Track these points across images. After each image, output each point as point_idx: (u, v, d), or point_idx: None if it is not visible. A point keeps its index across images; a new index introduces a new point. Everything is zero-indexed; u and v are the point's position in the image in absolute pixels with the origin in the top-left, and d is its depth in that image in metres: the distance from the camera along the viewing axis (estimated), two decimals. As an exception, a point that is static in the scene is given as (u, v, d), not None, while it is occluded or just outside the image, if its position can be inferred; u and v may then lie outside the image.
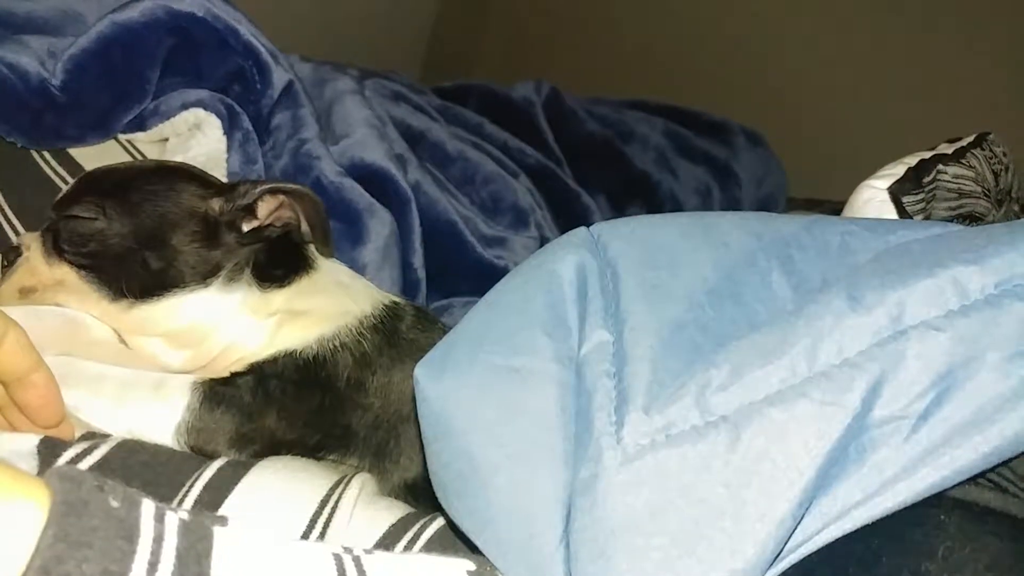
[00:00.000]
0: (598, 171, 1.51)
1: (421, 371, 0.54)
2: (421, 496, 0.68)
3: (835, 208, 1.59)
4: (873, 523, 0.43)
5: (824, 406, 0.44)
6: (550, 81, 1.59)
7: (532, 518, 0.47)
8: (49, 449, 0.54)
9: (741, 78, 2.20)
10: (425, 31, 2.68)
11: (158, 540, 0.36)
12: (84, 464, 0.54)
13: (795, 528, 0.43)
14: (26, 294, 0.67)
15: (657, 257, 0.55)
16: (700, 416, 0.46)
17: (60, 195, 0.71)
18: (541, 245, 1.21)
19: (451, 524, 0.56)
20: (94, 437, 0.59)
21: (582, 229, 0.60)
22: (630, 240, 0.57)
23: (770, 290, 0.54)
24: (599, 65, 2.45)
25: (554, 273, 0.55)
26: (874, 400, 0.44)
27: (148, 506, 0.37)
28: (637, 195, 1.53)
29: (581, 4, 2.57)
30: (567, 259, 0.56)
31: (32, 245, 0.69)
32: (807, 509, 0.44)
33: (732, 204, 1.65)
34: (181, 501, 0.55)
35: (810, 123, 2.06)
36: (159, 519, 0.37)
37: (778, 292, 0.54)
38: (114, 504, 0.36)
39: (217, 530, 0.38)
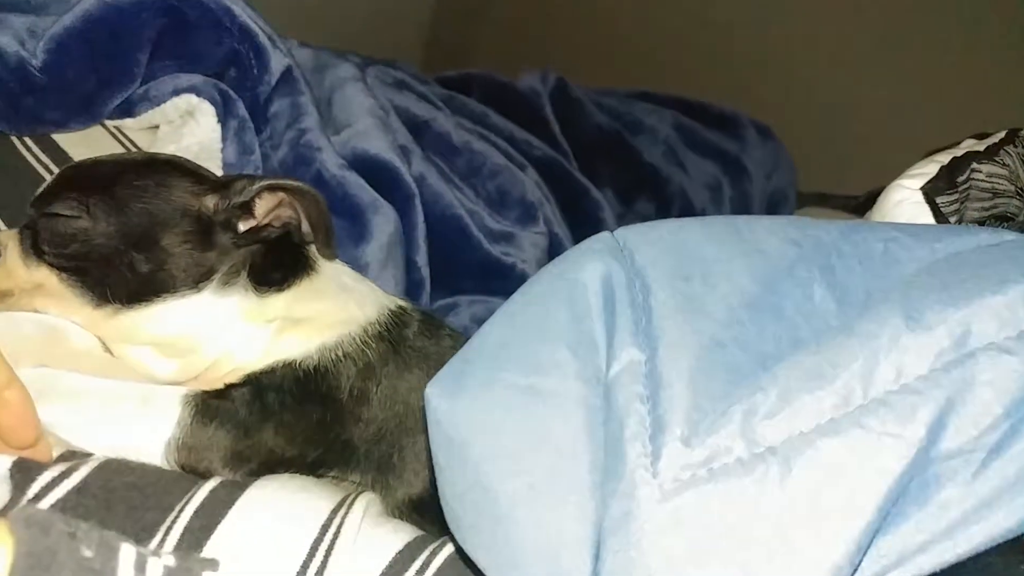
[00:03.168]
0: (606, 164, 1.47)
1: (433, 391, 0.49)
2: (427, 513, 0.64)
3: (845, 202, 1.57)
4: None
5: (883, 437, 0.40)
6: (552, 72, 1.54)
7: (556, 557, 0.43)
8: (23, 473, 0.50)
9: (748, 71, 2.17)
10: (424, 21, 2.63)
11: (139, 594, 0.32)
12: (61, 489, 0.50)
13: (852, 574, 0.39)
14: (1, 298, 0.63)
15: (690, 266, 0.51)
16: (746, 447, 0.41)
17: (40, 190, 0.66)
18: (550, 241, 1.18)
19: (460, 551, 0.52)
20: (74, 457, 0.55)
21: (605, 234, 0.56)
22: (659, 247, 0.53)
23: (812, 303, 0.49)
24: (603, 56, 2.41)
25: (577, 283, 0.51)
26: (940, 431, 0.40)
27: (128, 553, 0.33)
28: (646, 189, 1.49)
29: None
30: (591, 267, 0.51)
31: (9, 244, 0.64)
32: (865, 553, 0.39)
33: (742, 198, 1.61)
34: (170, 527, 0.51)
35: (819, 117, 2.03)
36: (140, 568, 0.33)
37: (820, 306, 0.49)
38: (87, 554, 0.32)
39: (207, 576, 0.35)
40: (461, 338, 0.72)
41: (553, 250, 1.16)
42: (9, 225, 0.70)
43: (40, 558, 0.30)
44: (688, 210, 1.49)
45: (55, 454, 0.55)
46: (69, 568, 0.31)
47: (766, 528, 0.39)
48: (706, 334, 0.47)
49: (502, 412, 0.47)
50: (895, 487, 0.39)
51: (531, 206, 1.19)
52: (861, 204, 1.43)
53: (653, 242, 0.53)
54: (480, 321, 0.78)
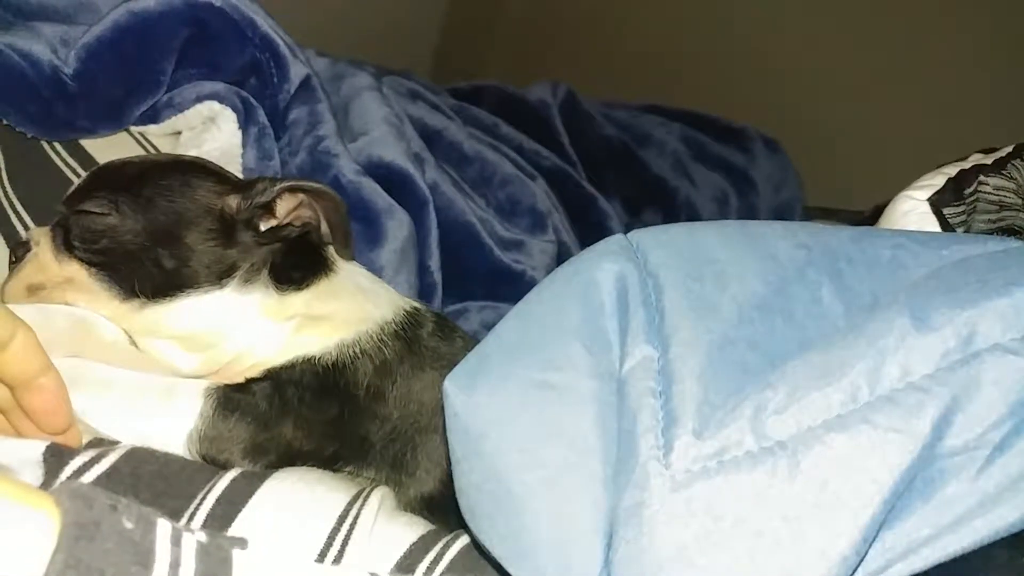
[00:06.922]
0: (614, 175, 1.49)
1: (451, 385, 0.50)
2: (438, 510, 0.65)
3: (851, 217, 1.57)
4: (947, 569, 0.40)
5: (889, 433, 0.41)
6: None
7: (569, 547, 0.44)
8: (56, 457, 0.52)
9: (753, 85, 2.17)
10: (434, 33, 2.65)
11: (175, 566, 0.33)
12: (92, 473, 0.52)
13: (858, 566, 0.40)
14: (34, 292, 0.65)
15: (702, 268, 0.52)
16: (755, 441, 0.43)
17: (71, 189, 0.68)
18: (559, 249, 1.19)
19: (475, 542, 0.53)
20: (102, 444, 0.56)
21: (619, 236, 0.57)
22: (672, 249, 0.54)
23: (820, 306, 0.51)
24: (612, 69, 2.42)
25: (592, 282, 0.52)
26: (945, 428, 0.41)
27: (164, 527, 0.34)
28: (653, 201, 1.51)
29: (592, 7, 2.54)
30: (605, 267, 0.53)
31: (41, 240, 0.66)
32: (870, 545, 0.41)
33: (749, 211, 1.62)
34: (193, 514, 0.52)
35: (825, 133, 2.03)
36: (175, 542, 0.34)
37: (829, 309, 0.50)
38: (128, 525, 0.33)
39: (236, 553, 0.36)
40: (472, 341, 0.74)
41: (562, 258, 1.17)
42: (39, 224, 0.72)
43: (85, 528, 0.31)
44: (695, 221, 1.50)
45: (84, 441, 0.56)
46: (112, 539, 0.32)
47: (774, 519, 0.40)
48: (717, 333, 0.48)
49: (518, 406, 0.48)
50: (900, 481, 0.40)
51: (541, 215, 1.21)
52: (866, 219, 1.44)
53: (666, 244, 0.54)
54: (490, 326, 0.79)
